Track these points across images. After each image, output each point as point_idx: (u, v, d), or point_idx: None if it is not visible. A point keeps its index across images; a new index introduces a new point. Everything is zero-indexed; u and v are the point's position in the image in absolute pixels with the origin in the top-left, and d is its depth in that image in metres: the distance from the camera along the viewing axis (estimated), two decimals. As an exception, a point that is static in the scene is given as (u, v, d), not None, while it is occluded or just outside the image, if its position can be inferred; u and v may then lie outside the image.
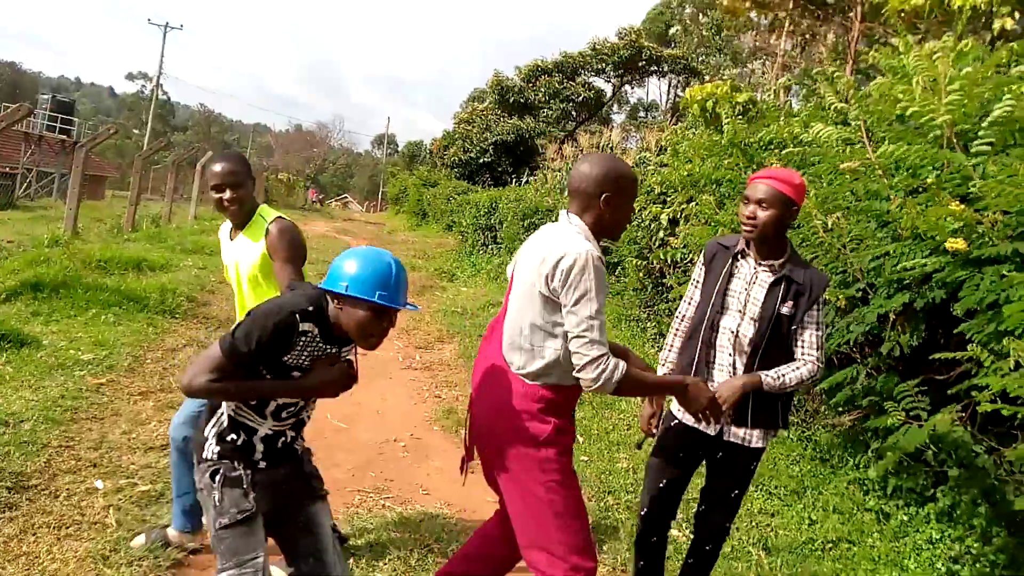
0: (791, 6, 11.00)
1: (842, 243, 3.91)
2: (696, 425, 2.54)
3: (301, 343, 1.90)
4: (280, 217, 2.71)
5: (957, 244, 3.16)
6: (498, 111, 26.66)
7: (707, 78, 20.28)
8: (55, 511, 3.05)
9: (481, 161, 25.21)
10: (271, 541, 2.04)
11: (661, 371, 2.69)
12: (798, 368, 2.42)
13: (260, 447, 2.00)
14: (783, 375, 2.40)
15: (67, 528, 2.94)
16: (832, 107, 5.22)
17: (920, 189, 3.75)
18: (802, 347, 2.45)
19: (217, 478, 1.95)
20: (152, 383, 4.93)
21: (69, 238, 9.70)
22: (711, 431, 2.53)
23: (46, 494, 3.18)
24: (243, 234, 2.72)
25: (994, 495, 3.30)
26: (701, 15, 25.62)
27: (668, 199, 6.65)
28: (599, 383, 2.00)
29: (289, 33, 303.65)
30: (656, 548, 2.69)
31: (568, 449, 2.18)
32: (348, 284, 1.86)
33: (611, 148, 14.94)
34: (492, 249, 14.10)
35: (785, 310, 2.42)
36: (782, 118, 6.48)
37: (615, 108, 33.30)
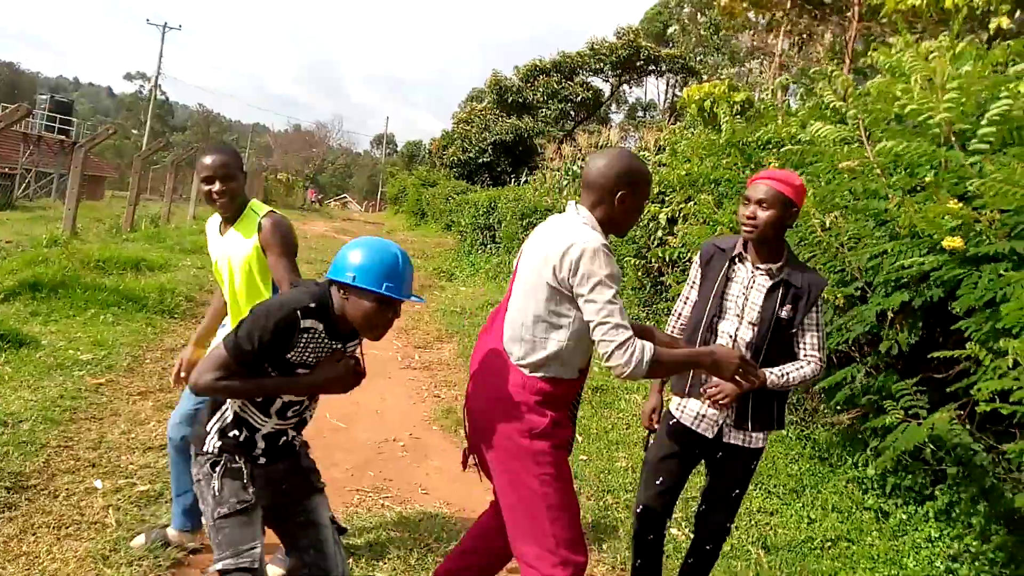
0: (788, 6, 11.00)
1: (840, 242, 3.92)
2: (694, 428, 2.55)
3: (304, 340, 1.89)
4: (272, 211, 2.68)
5: (955, 242, 3.17)
6: (497, 111, 26.69)
7: (705, 77, 20.26)
8: (54, 511, 3.04)
9: (480, 161, 25.25)
10: (268, 537, 2.05)
11: None
12: (801, 368, 2.46)
13: (261, 444, 2.01)
14: (787, 373, 2.43)
15: (67, 528, 2.93)
16: (830, 106, 5.22)
17: (918, 188, 3.76)
18: (804, 349, 2.49)
19: (217, 468, 1.95)
20: (151, 383, 4.93)
21: (68, 238, 9.68)
22: (709, 434, 2.53)
23: (45, 494, 3.18)
24: (234, 228, 2.66)
25: (993, 493, 3.30)
26: (699, 15, 25.59)
27: (666, 198, 6.66)
28: (631, 367, 1.93)
29: (288, 33, 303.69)
30: (653, 547, 2.69)
31: (564, 444, 2.16)
32: (355, 275, 1.85)
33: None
34: (491, 248, 14.11)
35: (784, 314, 2.44)
36: (780, 117, 6.49)
37: (613, 108, 33.31)
